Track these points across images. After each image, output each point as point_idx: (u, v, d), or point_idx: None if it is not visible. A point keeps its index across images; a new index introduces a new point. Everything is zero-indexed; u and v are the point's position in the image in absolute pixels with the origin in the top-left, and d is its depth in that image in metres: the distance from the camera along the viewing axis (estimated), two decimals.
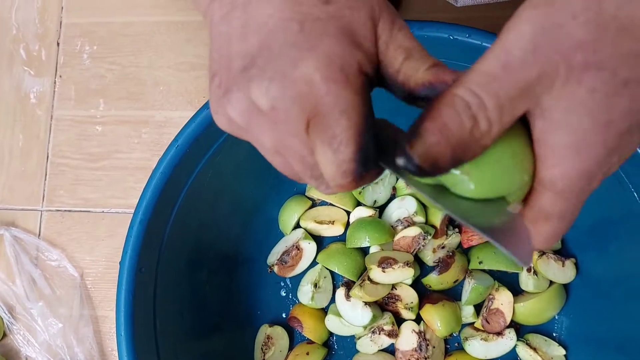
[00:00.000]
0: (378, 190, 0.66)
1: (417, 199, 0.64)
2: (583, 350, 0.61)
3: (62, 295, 0.71)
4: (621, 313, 0.57)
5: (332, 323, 0.64)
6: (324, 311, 0.66)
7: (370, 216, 0.65)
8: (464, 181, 0.28)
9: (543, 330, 0.64)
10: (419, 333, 0.62)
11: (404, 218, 0.64)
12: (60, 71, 0.76)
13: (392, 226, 0.65)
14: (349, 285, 0.64)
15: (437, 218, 0.63)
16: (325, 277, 0.66)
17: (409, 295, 0.63)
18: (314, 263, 0.66)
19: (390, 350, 0.64)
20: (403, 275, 0.61)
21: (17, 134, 0.76)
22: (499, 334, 0.62)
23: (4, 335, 0.72)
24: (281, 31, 0.29)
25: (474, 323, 0.64)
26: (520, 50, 0.27)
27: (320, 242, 0.68)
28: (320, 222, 0.66)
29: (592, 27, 0.26)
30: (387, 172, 0.56)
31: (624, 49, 0.26)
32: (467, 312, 0.63)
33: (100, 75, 0.75)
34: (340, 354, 0.66)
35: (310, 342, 0.65)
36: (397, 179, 0.66)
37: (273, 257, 0.67)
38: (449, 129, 0.27)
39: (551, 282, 0.62)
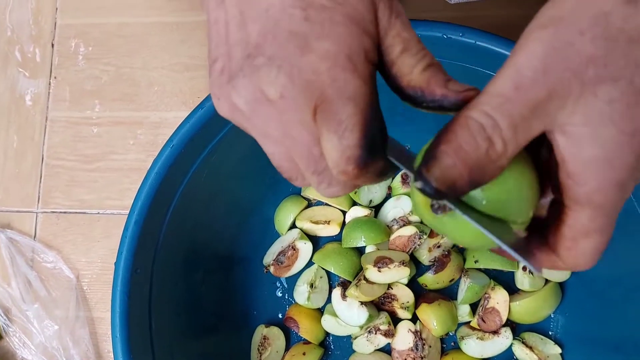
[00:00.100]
0: (374, 190, 0.66)
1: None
2: (579, 348, 0.61)
3: (58, 297, 0.71)
4: (616, 312, 0.57)
5: (329, 323, 0.64)
6: (320, 311, 0.66)
7: (366, 216, 0.65)
8: (477, 193, 0.29)
9: (539, 328, 0.64)
10: (415, 332, 0.62)
11: (400, 217, 0.65)
12: (55, 72, 0.76)
13: (387, 226, 0.65)
14: (345, 285, 0.64)
15: None
16: (321, 277, 0.66)
17: (405, 295, 0.63)
18: (310, 263, 0.66)
19: (387, 350, 0.64)
20: (399, 274, 0.61)
21: (12, 136, 0.76)
22: (495, 332, 0.62)
23: (0, 337, 0.72)
24: (285, 19, 0.29)
25: (470, 322, 0.64)
26: (530, 71, 0.27)
27: (316, 242, 0.68)
28: (316, 222, 0.66)
29: (600, 42, 0.26)
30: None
31: (637, 59, 0.26)
32: (463, 311, 0.63)
33: (95, 76, 0.75)
34: (337, 354, 0.66)
35: (306, 342, 0.65)
36: (393, 179, 0.66)
37: (269, 258, 0.67)
38: (464, 151, 0.27)
39: (547, 281, 0.62)
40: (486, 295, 0.62)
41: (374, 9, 0.30)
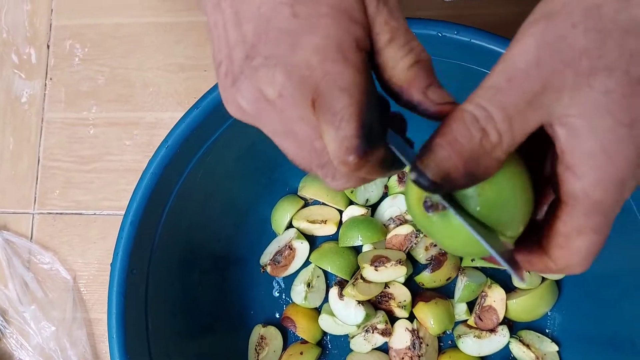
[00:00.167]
0: (370, 189, 0.66)
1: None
2: (575, 346, 0.61)
3: (54, 298, 0.71)
4: (613, 310, 0.57)
5: (326, 322, 0.64)
6: (317, 311, 0.66)
7: (362, 215, 0.65)
8: (472, 197, 0.29)
9: (536, 326, 0.64)
10: (413, 331, 0.62)
11: (396, 216, 0.65)
12: (50, 74, 0.76)
13: (384, 224, 0.65)
14: (342, 284, 0.64)
15: None
16: (318, 277, 0.66)
17: (402, 294, 0.63)
18: (306, 263, 0.66)
19: (384, 348, 0.64)
20: (396, 273, 0.61)
21: (8, 137, 0.75)
22: (492, 330, 0.62)
23: None
24: (274, 17, 0.29)
25: (467, 320, 0.64)
26: (523, 63, 0.27)
27: (313, 241, 0.68)
28: (313, 222, 0.66)
29: (593, 34, 0.26)
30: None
31: (632, 49, 0.26)
32: (460, 310, 0.63)
33: (91, 77, 0.75)
34: (334, 353, 0.66)
35: (304, 341, 0.65)
36: (389, 177, 0.66)
37: (266, 257, 0.67)
38: (459, 143, 0.27)
39: (543, 279, 0.63)
40: (483, 294, 0.62)
41: None
